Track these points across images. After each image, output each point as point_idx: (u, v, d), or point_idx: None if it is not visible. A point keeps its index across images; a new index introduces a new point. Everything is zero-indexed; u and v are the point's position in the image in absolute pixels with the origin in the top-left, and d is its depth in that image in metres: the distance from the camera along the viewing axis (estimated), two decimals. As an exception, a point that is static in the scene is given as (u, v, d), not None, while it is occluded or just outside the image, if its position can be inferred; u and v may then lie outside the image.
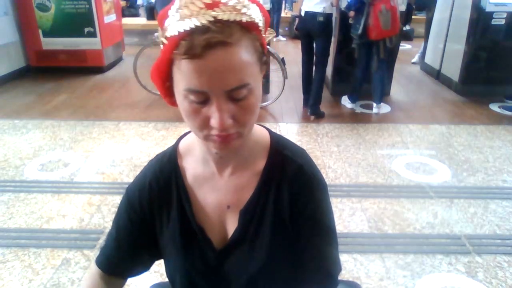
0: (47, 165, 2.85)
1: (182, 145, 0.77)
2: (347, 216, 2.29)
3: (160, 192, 0.74)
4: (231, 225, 0.73)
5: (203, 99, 0.56)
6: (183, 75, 0.55)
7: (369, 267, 1.92)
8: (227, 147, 0.60)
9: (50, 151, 3.06)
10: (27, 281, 1.81)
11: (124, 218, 0.76)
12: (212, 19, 0.51)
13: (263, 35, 0.60)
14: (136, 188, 0.76)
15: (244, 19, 0.54)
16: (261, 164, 0.72)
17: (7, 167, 2.81)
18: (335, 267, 0.70)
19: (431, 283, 1.82)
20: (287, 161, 0.72)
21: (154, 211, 0.75)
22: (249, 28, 0.55)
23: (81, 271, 1.87)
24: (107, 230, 2.14)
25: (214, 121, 0.56)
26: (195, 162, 0.74)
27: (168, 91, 0.61)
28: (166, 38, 0.54)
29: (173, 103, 0.62)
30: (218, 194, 0.73)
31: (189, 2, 0.53)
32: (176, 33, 0.52)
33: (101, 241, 2.07)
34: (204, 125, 0.58)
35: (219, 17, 0.52)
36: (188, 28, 0.51)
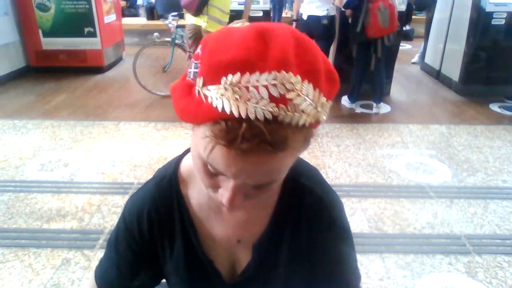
0: (47, 165, 2.85)
1: (183, 169, 0.69)
2: (347, 216, 2.29)
3: (160, 222, 0.69)
4: (243, 259, 0.69)
5: (221, 173, 0.48)
6: (208, 151, 0.46)
7: (369, 267, 1.92)
8: (231, 211, 0.56)
9: (50, 151, 3.06)
10: (27, 281, 1.81)
11: (123, 246, 0.71)
12: (270, 117, 0.41)
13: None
14: (134, 216, 0.70)
15: (309, 121, 0.44)
16: (274, 195, 0.67)
17: (7, 167, 2.81)
18: (356, 278, 0.70)
19: (431, 283, 1.82)
20: (305, 192, 0.67)
21: (156, 239, 0.70)
22: (309, 127, 0.46)
23: (81, 271, 1.87)
24: (107, 230, 2.14)
25: (224, 195, 0.50)
26: (199, 192, 0.67)
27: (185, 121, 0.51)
28: (205, 96, 0.44)
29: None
30: (226, 227, 0.68)
31: (251, 84, 0.41)
32: (220, 109, 0.42)
33: (101, 241, 2.07)
34: (213, 187, 0.52)
35: (280, 118, 0.41)
36: (237, 115, 0.41)
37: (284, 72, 0.41)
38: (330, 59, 4.15)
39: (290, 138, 0.44)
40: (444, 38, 4.95)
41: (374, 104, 3.99)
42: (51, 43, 5.04)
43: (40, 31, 4.97)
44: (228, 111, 0.41)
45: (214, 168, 0.48)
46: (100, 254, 1.98)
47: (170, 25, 4.18)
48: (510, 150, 3.17)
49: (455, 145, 3.26)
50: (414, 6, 6.23)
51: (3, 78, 4.69)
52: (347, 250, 0.70)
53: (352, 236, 0.71)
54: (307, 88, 0.43)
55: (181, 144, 3.17)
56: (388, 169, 2.85)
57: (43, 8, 4.87)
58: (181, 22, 4.38)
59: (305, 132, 0.46)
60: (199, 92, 0.45)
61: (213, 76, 0.43)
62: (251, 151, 0.43)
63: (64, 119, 3.69)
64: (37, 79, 4.92)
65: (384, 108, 4.08)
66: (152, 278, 0.75)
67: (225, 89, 0.42)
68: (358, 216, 2.30)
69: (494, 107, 4.16)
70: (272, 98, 0.41)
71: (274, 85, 0.41)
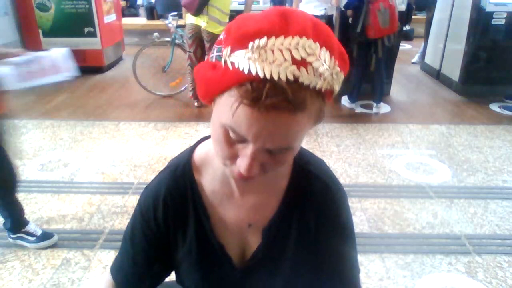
0: (47, 165, 2.85)
1: (197, 157, 0.72)
2: (347, 216, 2.29)
3: (175, 209, 0.71)
4: (253, 243, 0.71)
5: (241, 139, 0.52)
6: (231, 113, 0.49)
7: (369, 267, 1.92)
8: (246, 181, 0.57)
9: (50, 151, 3.06)
10: (27, 281, 1.81)
11: (139, 237, 0.73)
12: (292, 78, 0.45)
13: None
14: (151, 205, 0.72)
15: (325, 87, 0.48)
16: (284, 180, 0.70)
17: (7, 167, 2.80)
18: (357, 272, 0.72)
19: (431, 283, 1.82)
20: (311, 178, 0.70)
21: (170, 227, 0.72)
22: (324, 95, 0.50)
23: (81, 271, 1.87)
24: (107, 230, 2.14)
25: (242, 164, 0.53)
26: (213, 178, 0.70)
27: (208, 97, 0.55)
28: (231, 63, 0.48)
29: (207, 102, 0.57)
30: (238, 212, 0.70)
31: (275, 47, 0.46)
32: (246, 71, 0.46)
33: (101, 241, 2.07)
34: (231, 157, 0.55)
35: (300, 79, 0.45)
36: (262, 75, 0.45)
37: (305, 38, 0.46)
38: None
39: (308, 100, 0.48)
40: (444, 38, 4.95)
41: (374, 104, 3.99)
42: (51, 43, 5.03)
43: (40, 31, 4.96)
44: (254, 73, 0.45)
45: (236, 132, 0.50)
46: (100, 254, 1.98)
47: (170, 25, 4.18)
48: (510, 150, 3.17)
49: (455, 145, 3.26)
50: (414, 6, 6.23)
51: (3, 78, 4.69)
52: (350, 242, 0.72)
53: (354, 229, 0.74)
54: (325, 54, 0.47)
55: (181, 144, 3.17)
56: (388, 169, 2.85)
57: (43, 8, 4.87)
58: (181, 22, 4.38)
59: (321, 100, 0.50)
60: (225, 61, 0.49)
61: (240, 43, 0.47)
62: (273, 109, 0.46)
63: (64, 119, 3.69)
64: (37, 79, 4.91)
65: (384, 108, 4.08)
66: (165, 270, 0.77)
67: (252, 52, 0.46)
68: (358, 216, 2.30)
69: (494, 107, 4.16)
70: (294, 61, 0.45)
71: (297, 49, 0.46)
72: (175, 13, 4.31)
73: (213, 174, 0.70)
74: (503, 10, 4.15)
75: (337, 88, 0.51)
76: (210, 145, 0.70)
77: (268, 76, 0.45)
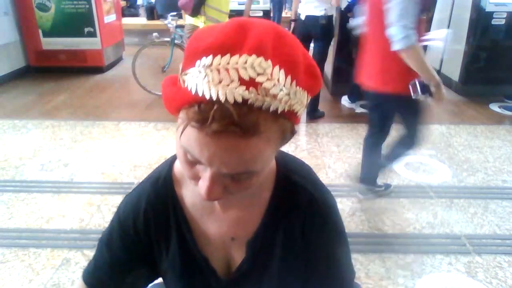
0: (47, 165, 2.85)
1: (177, 169, 0.70)
2: (347, 216, 2.29)
3: (157, 221, 0.69)
4: (238, 256, 0.70)
5: (198, 161, 0.49)
6: (181, 131, 0.47)
7: (369, 267, 1.92)
8: (214, 201, 0.55)
9: (50, 151, 3.06)
10: (27, 281, 1.81)
11: (117, 244, 0.71)
12: (240, 100, 0.41)
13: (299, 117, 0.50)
14: (130, 216, 0.70)
15: (281, 108, 0.44)
16: (267, 192, 0.67)
17: (7, 167, 2.81)
18: (350, 276, 0.71)
19: (431, 283, 1.82)
20: (297, 189, 0.67)
21: (152, 238, 0.70)
22: (284, 116, 0.46)
23: (81, 271, 1.86)
24: (107, 230, 2.14)
25: (202, 187, 0.50)
26: (193, 191, 0.68)
27: (171, 113, 0.52)
28: (183, 81, 0.45)
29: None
30: (220, 225, 0.68)
31: (222, 66, 0.42)
32: (193, 92, 0.43)
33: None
34: (193, 178, 0.52)
35: (250, 101, 0.41)
36: (208, 97, 0.42)
37: (255, 56, 0.42)
38: (330, 59, 4.15)
39: (261, 124, 0.44)
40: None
41: (374, 104, 3.99)
42: (51, 43, 5.04)
43: (40, 31, 4.97)
44: (200, 94, 0.42)
45: (190, 154, 0.48)
46: (100, 254, 1.97)
47: (169, 25, 4.18)
48: (510, 150, 3.17)
49: (455, 145, 3.26)
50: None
51: (3, 78, 4.69)
52: (341, 248, 0.70)
53: (345, 233, 0.72)
54: (279, 73, 0.43)
55: (181, 144, 3.15)
56: (388, 169, 2.85)
57: (43, 8, 4.87)
58: (180, 22, 4.38)
59: (281, 122, 0.46)
60: (179, 79, 0.46)
61: (191, 60, 0.44)
62: (222, 133, 0.43)
63: (64, 119, 3.69)
64: (37, 79, 4.92)
65: (384, 108, 4.07)
66: (145, 276, 0.75)
67: (199, 71, 0.43)
68: (358, 216, 2.30)
69: (494, 107, 4.16)
70: (242, 81, 0.41)
71: (245, 68, 0.42)
72: (175, 13, 4.31)
73: (193, 188, 0.65)
74: (503, 10, 4.15)
75: (298, 107, 0.47)
76: None
77: (214, 97, 0.41)
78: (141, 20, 7.94)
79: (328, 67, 4.46)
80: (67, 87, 4.69)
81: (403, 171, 2.82)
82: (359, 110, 4.05)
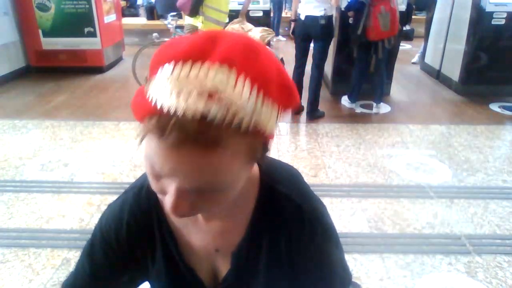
0: (47, 165, 2.85)
1: None
2: (347, 216, 2.29)
3: (140, 232, 0.68)
4: (223, 267, 0.69)
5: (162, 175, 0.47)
6: (148, 144, 0.45)
7: (369, 267, 1.92)
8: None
9: (50, 151, 3.06)
10: (27, 281, 1.81)
11: (99, 254, 0.70)
12: (198, 113, 0.39)
13: (272, 135, 0.47)
14: (112, 227, 0.69)
15: (245, 124, 0.41)
16: (251, 203, 0.64)
17: (7, 167, 2.81)
18: (343, 281, 0.70)
19: (431, 283, 1.82)
20: (281, 199, 0.64)
21: (135, 248, 0.69)
22: (250, 133, 0.43)
23: (81, 271, 1.87)
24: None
25: (168, 202, 0.47)
26: None
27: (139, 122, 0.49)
28: (146, 91, 0.44)
29: None
30: (204, 237, 0.67)
31: (183, 76, 0.40)
32: (153, 102, 0.41)
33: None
34: (160, 192, 0.49)
35: (210, 115, 0.39)
36: (166, 109, 0.40)
37: (218, 67, 0.40)
38: (330, 59, 4.15)
39: (223, 139, 0.41)
40: (444, 38, 4.95)
41: (374, 104, 3.99)
42: (51, 43, 5.04)
43: (40, 31, 4.97)
44: (159, 105, 0.40)
45: (153, 167, 0.46)
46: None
47: (169, 25, 4.18)
48: (510, 150, 3.17)
49: (455, 145, 3.26)
50: (414, 6, 6.23)
51: (3, 78, 4.69)
52: (333, 252, 0.69)
53: (337, 236, 0.70)
54: (244, 87, 0.41)
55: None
56: (388, 169, 2.85)
57: (43, 8, 4.87)
58: (180, 22, 4.38)
59: (249, 139, 0.44)
60: (144, 89, 0.45)
61: (154, 68, 0.43)
62: (180, 146, 0.41)
63: (64, 119, 3.69)
64: (37, 79, 4.92)
65: (384, 108, 4.08)
66: (128, 284, 0.75)
67: (160, 81, 0.41)
68: (358, 216, 2.30)
69: (494, 107, 4.16)
70: (202, 94, 0.39)
71: (206, 79, 0.40)
72: (175, 13, 4.31)
73: None
74: (503, 10, 4.16)
75: (265, 124, 0.44)
76: None
77: (172, 111, 0.39)
78: (141, 20, 7.94)
79: (328, 67, 4.46)
80: (67, 87, 4.69)
81: (403, 171, 2.82)
82: (359, 110, 4.05)
